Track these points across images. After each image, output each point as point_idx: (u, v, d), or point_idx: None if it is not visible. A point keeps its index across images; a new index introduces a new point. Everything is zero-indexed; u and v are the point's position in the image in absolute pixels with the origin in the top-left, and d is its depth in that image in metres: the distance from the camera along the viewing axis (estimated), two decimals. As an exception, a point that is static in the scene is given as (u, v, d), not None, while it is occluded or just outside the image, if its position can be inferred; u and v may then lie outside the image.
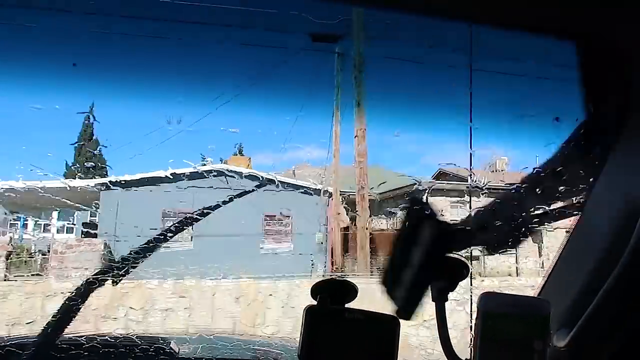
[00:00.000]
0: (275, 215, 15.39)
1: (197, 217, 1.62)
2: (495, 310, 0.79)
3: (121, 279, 1.55)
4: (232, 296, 8.31)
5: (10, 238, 11.66)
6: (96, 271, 1.46)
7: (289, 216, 15.61)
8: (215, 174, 11.86)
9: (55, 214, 14.94)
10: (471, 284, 1.39)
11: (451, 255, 0.95)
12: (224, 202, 1.63)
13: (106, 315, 7.59)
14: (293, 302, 8.39)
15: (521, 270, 14.03)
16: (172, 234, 1.57)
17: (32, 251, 12.91)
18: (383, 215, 18.39)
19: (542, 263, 15.21)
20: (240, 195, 1.79)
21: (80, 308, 1.37)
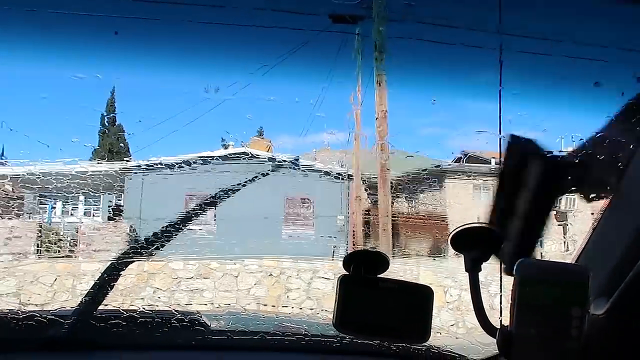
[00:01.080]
0: (296, 198, 15.46)
1: (220, 199, 1.64)
2: (533, 277, 0.79)
3: (147, 260, 1.59)
4: (255, 277, 8.43)
5: (40, 221, 11.99)
6: (123, 252, 1.50)
7: (310, 199, 15.67)
8: (237, 157, 11.94)
9: (82, 198, 15.29)
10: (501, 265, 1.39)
11: (484, 225, 0.95)
12: (245, 184, 1.65)
13: (134, 296, 7.80)
14: (316, 284, 8.47)
15: (546, 251, 13.85)
16: (195, 216, 1.60)
17: (61, 233, 13.28)
18: (404, 198, 18.30)
19: (567, 245, 14.98)
20: (261, 177, 1.80)
21: (113, 286, 1.41)
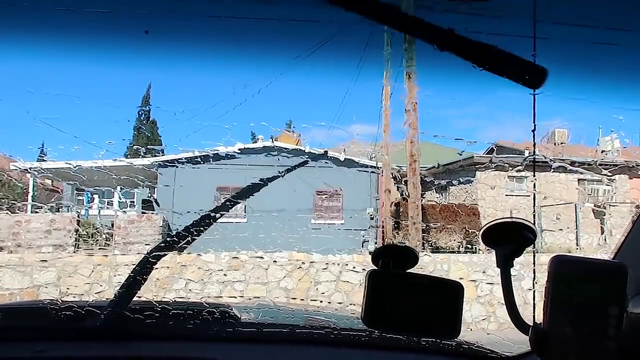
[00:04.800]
0: (326, 191, 15.48)
1: (250, 192, 1.65)
2: (568, 273, 0.76)
3: (180, 252, 1.62)
4: (285, 270, 8.50)
5: (78, 214, 12.41)
6: (157, 244, 1.53)
7: (339, 192, 15.68)
8: (267, 150, 12.04)
9: (117, 192, 15.72)
10: (534, 259, 1.35)
11: (517, 220, 0.92)
12: (274, 178, 1.65)
13: (167, 287, 7.99)
14: (344, 277, 8.48)
15: (582, 247, 13.47)
16: (226, 209, 1.61)
17: (97, 226, 13.70)
18: (434, 190, 18.09)
19: (605, 239, 14.53)
20: (290, 170, 1.80)
21: (146, 278, 1.44)
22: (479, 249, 9.96)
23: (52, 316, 1.35)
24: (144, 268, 1.45)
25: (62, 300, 1.42)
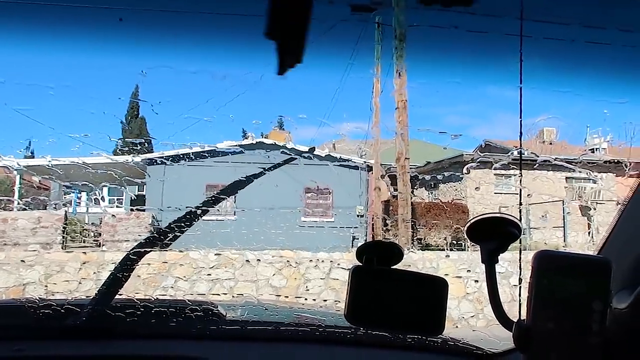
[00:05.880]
0: (315, 189, 15.47)
1: (235, 189, 1.63)
2: (552, 269, 0.75)
3: (164, 250, 1.59)
4: (274, 267, 8.48)
5: (65, 212, 12.27)
6: (139, 243, 1.50)
7: (329, 190, 15.68)
8: (258, 148, 11.99)
9: (105, 189, 15.58)
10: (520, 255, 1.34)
11: (502, 215, 0.91)
12: (260, 175, 1.63)
13: (155, 285, 7.94)
14: (334, 274, 8.48)
15: (569, 243, 13.59)
16: (211, 206, 1.58)
17: (86, 223, 13.56)
18: (424, 188, 18.16)
19: (592, 236, 14.68)
20: (276, 167, 1.77)
21: (129, 276, 1.41)
22: (468, 246, 10.01)
23: (31, 314, 1.32)
24: (126, 266, 1.42)
25: (40, 299, 1.39)
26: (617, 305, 0.80)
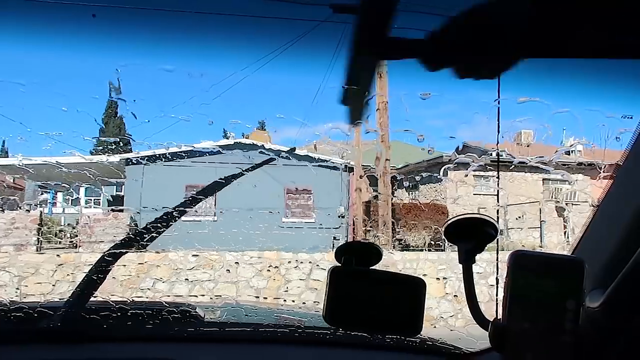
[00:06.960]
0: (296, 190, 15.45)
1: (214, 190, 1.61)
2: (526, 269, 0.76)
3: (139, 251, 1.56)
4: (255, 268, 8.44)
5: (41, 212, 11.99)
6: (115, 244, 1.47)
7: (310, 191, 15.67)
8: (237, 148, 11.92)
9: (82, 189, 15.30)
10: (497, 255, 1.36)
11: (479, 215, 0.92)
12: (239, 175, 1.61)
13: (134, 287, 7.82)
14: (315, 275, 8.48)
15: (545, 244, 13.85)
16: (189, 206, 1.56)
17: (62, 224, 13.28)
18: (405, 190, 18.29)
19: (568, 236, 14.98)
20: (256, 167, 1.76)
21: (104, 277, 1.38)
22: (446, 247, 10.12)
23: (2, 318, 1.28)
24: (102, 267, 1.39)
25: (12, 301, 1.35)
26: (590, 304, 0.82)
